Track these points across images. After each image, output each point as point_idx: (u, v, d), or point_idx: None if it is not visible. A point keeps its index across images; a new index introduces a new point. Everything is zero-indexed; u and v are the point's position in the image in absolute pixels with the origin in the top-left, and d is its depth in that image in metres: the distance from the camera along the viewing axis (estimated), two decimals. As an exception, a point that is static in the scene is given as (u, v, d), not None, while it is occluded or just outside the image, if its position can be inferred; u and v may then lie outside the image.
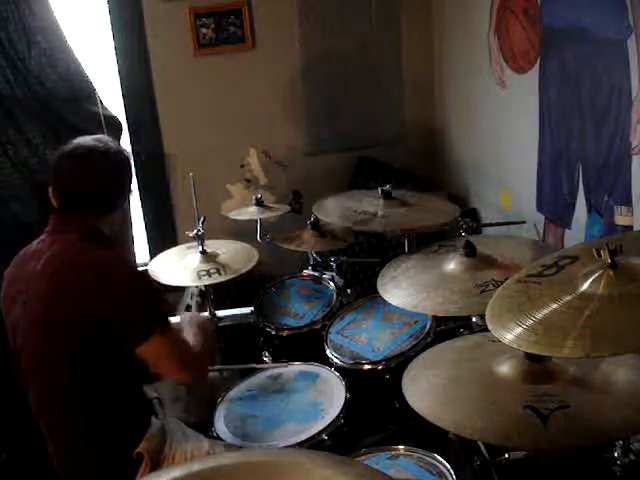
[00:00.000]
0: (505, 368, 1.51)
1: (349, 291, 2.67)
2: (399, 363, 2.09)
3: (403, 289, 2.01)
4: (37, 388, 1.82)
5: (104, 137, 1.96)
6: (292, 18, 3.22)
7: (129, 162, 1.96)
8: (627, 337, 1.12)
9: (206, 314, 2.56)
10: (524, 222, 2.68)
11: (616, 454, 1.47)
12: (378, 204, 2.44)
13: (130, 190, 1.98)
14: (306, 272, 2.77)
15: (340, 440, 1.96)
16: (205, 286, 2.54)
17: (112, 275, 1.76)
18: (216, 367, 2.38)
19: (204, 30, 3.15)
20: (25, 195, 3.07)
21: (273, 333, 2.50)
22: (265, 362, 2.40)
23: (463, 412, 1.44)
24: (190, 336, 1.98)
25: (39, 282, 1.77)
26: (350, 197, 2.63)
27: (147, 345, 1.74)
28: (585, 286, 1.24)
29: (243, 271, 2.47)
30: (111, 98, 3.20)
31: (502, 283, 1.50)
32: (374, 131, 3.45)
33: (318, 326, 2.45)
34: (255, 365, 2.36)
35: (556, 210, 2.53)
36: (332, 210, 2.52)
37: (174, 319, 2.07)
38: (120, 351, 1.77)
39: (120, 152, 1.94)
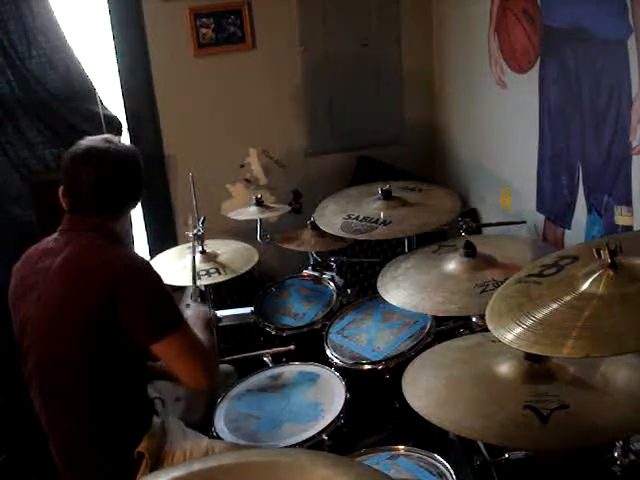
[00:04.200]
0: (505, 368, 1.51)
1: (349, 291, 2.67)
2: (399, 363, 2.09)
3: (403, 289, 2.02)
4: (42, 386, 1.81)
5: (112, 137, 1.93)
6: (292, 18, 3.22)
7: (140, 161, 1.93)
8: (627, 337, 1.12)
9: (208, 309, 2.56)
10: (524, 222, 2.68)
11: (616, 454, 1.47)
12: (379, 207, 2.43)
13: (141, 189, 1.95)
14: (306, 272, 2.77)
15: (340, 440, 1.96)
16: (205, 286, 2.54)
17: (132, 272, 1.76)
18: (227, 358, 2.38)
19: (204, 30, 3.15)
20: (24, 195, 3.07)
21: (273, 333, 2.51)
22: (265, 362, 2.40)
23: (463, 412, 1.44)
24: (198, 333, 1.95)
25: (56, 278, 1.76)
26: (350, 198, 2.63)
27: (165, 343, 1.75)
28: (585, 286, 1.24)
29: (243, 271, 2.47)
30: (111, 98, 3.20)
31: (502, 283, 1.50)
32: (374, 131, 3.45)
33: (318, 326, 2.45)
34: (263, 352, 2.37)
35: (556, 210, 2.53)
36: (333, 221, 2.47)
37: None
38: (127, 350, 1.77)
39: (131, 151, 1.93)
